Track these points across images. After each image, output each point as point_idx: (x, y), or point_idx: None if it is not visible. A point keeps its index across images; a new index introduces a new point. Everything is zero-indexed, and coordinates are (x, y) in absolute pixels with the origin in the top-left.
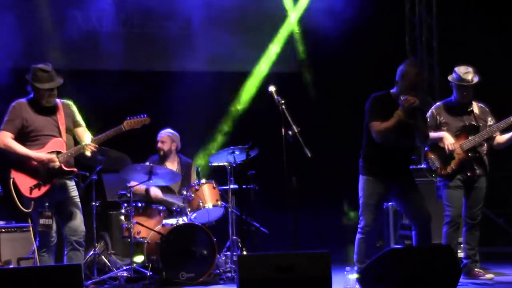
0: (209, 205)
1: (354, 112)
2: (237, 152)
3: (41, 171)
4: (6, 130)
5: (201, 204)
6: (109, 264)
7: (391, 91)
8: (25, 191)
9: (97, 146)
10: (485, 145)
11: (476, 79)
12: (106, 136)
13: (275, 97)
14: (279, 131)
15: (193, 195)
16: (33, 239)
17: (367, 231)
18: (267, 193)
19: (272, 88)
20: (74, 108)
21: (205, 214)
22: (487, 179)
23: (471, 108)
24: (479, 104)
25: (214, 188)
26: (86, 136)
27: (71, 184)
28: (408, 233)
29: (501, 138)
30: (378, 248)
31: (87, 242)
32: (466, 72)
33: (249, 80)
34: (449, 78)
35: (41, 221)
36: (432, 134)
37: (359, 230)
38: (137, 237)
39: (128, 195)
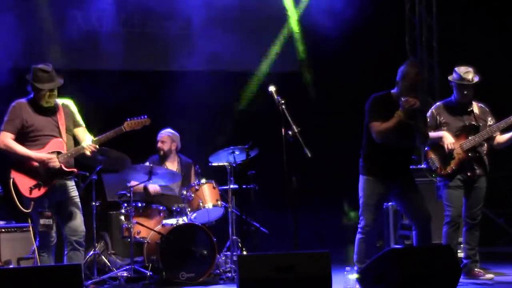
0: (209, 205)
1: (354, 112)
2: (237, 152)
3: (41, 172)
4: (6, 131)
5: (201, 204)
6: (109, 264)
7: (392, 91)
8: (25, 191)
9: (97, 146)
10: (485, 145)
11: (476, 79)
12: (106, 137)
13: (275, 97)
14: (279, 131)
15: (193, 195)
16: (33, 239)
17: (367, 231)
18: (267, 193)
19: (272, 88)
20: (74, 108)
21: (205, 214)
22: (487, 179)
23: (471, 108)
24: (479, 104)
25: (214, 188)
26: (86, 136)
27: (71, 184)
28: (408, 233)
29: (501, 138)
30: (378, 248)
31: (87, 242)
32: (466, 72)
33: (249, 80)
34: (450, 78)
35: (41, 221)
36: (432, 134)
37: (359, 230)
38: (137, 237)
39: (128, 195)
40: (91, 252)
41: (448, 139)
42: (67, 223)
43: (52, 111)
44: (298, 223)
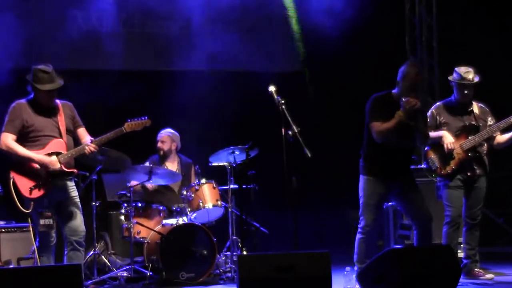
0: (209, 205)
1: (354, 112)
2: (237, 152)
3: (41, 173)
4: (7, 132)
5: (201, 204)
6: (109, 264)
7: (393, 91)
8: (25, 192)
9: (97, 147)
10: (485, 145)
11: (476, 79)
12: (107, 138)
13: (275, 97)
14: (279, 131)
15: (193, 195)
16: (33, 239)
17: (367, 231)
18: (267, 193)
19: (272, 88)
20: (74, 109)
21: (205, 214)
22: (487, 179)
23: (471, 108)
24: (479, 104)
25: (214, 188)
26: (86, 137)
27: (71, 185)
28: (408, 233)
29: (501, 138)
30: (378, 248)
31: (87, 242)
32: (467, 72)
33: (249, 80)
34: (450, 78)
35: (42, 221)
36: (432, 134)
37: (359, 230)
38: (137, 237)
39: (128, 195)
40: (91, 252)
41: (448, 139)
42: (67, 223)
43: (52, 112)
44: (298, 223)
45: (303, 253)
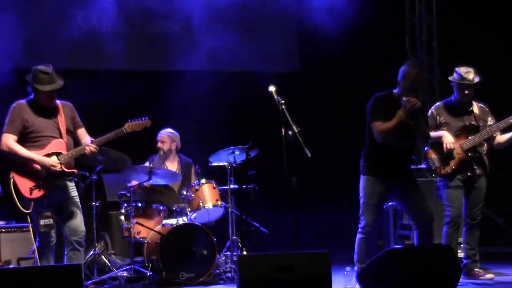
0: (209, 205)
1: (354, 112)
2: (237, 152)
3: (41, 173)
4: (8, 133)
5: (201, 204)
6: (109, 264)
7: (394, 91)
8: (25, 192)
9: (97, 147)
10: (485, 145)
11: (477, 79)
12: (107, 138)
13: (275, 97)
14: (279, 131)
15: (193, 195)
16: (33, 239)
17: (367, 231)
18: (267, 193)
19: (272, 88)
20: (74, 110)
21: (205, 214)
22: (487, 179)
23: (471, 108)
24: (479, 104)
25: (214, 188)
26: (86, 137)
27: (71, 185)
28: (408, 233)
29: (501, 138)
30: (378, 248)
31: (87, 242)
32: (467, 72)
33: (249, 80)
34: (450, 78)
35: (42, 221)
36: (432, 134)
37: (359, 230)
38: (137, 237)
39: (128, 195)
40: (91, 252)
41: (448, 139)
42: (67, 223)
43: (52, 112)
44: (298, 223)
45: (303, 253)
